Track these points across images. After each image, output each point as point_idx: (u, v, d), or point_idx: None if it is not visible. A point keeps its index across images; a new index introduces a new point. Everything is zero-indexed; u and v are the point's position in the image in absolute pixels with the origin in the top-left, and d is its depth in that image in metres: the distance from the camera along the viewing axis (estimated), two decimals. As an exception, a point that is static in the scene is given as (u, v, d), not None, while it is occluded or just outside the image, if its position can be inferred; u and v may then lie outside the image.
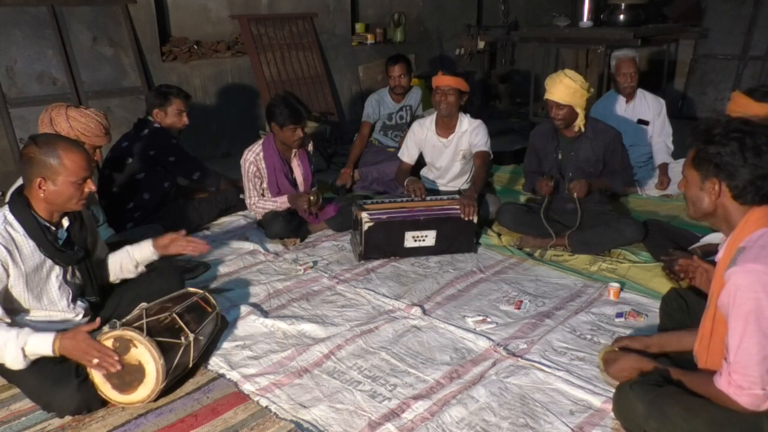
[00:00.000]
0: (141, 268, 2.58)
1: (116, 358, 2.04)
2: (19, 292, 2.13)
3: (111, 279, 2.56)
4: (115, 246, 2.93)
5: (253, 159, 3.68)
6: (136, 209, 3.62)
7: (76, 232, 2.29)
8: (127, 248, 2.56)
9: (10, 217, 2.12)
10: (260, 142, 3.75)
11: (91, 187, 2.18)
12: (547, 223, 3.49)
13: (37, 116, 4.57)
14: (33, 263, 2.14)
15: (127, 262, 2.55)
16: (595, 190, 3.51)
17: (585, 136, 3.49)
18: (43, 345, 2.02)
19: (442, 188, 4.08)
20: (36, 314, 2.21)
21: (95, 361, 2.03)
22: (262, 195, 3.77)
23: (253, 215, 3.95)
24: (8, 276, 2.08)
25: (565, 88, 3.31)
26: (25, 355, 2.02)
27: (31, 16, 4.76)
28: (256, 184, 3.72)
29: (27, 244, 2.12)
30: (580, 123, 3.44)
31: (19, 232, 2.11)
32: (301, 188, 3.83)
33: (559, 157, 3.56)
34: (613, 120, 4.04)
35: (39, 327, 2.19)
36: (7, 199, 2.23)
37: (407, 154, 4.07)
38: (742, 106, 2.88)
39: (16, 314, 2.15)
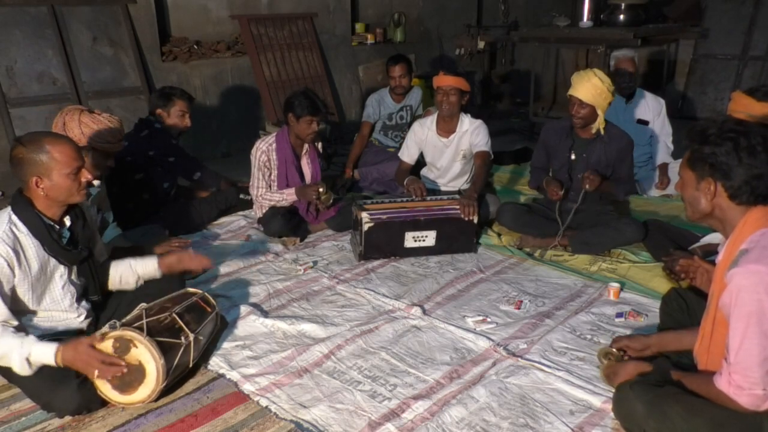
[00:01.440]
0: (140, 282, 2.57)
1: (122, 363, 2.05)
2: (22, 292, 2.13)
3: (109, 287, 2.55)
4: (118, 253, 2.94)
5: (265, 148, 3.70)
6: (136, 210, 3.62)
7: (79, 231, 2.29)
8: (130, 262, 2.55)
9: (14, 218, 2.11)
10: (274, 134, 3.77)
11: (87, 176, 2.17)
12: (550, 222, 3.49)
13: (37, 116, 4.69)
14: (38, 263, 2.14)
15: (128, 275, 2.55)
16: (602, 190, 3.50)
17: (600, 140, 3.48)
18: (45, 356, 2.03)
19: (442, 188, 4.08)
20: (38, 314, 2.21)
21: (96, 372, 2.04)
22: (269, 188, 3.77)
23: (253, 215, 3.95)
24: (14, 277, 2.08)
25: (592, 87, 3.27)
26: (30, 364, 2.04)
27: (31, 16, 4.76)
28: (264, 174, 3.73)
29: (31, 244, 2.12)
30: (598, 125, 3.42)
31: (23, 232, 2.11)
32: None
33: (573, 157, 3.54)
34: (612, 120, 4.03)
35: (41, 328, 2.21)
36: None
37: (407, 154, 4.06)
38: (744, 106, 2.87)
39: (18, 314, 2.15)
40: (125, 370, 2.06)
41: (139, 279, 2.57)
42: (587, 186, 3.38)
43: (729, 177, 1.72)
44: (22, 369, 2.04)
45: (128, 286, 2.56)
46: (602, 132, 3.44)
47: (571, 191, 3.53)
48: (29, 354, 2.02)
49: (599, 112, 3.35)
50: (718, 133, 1.72)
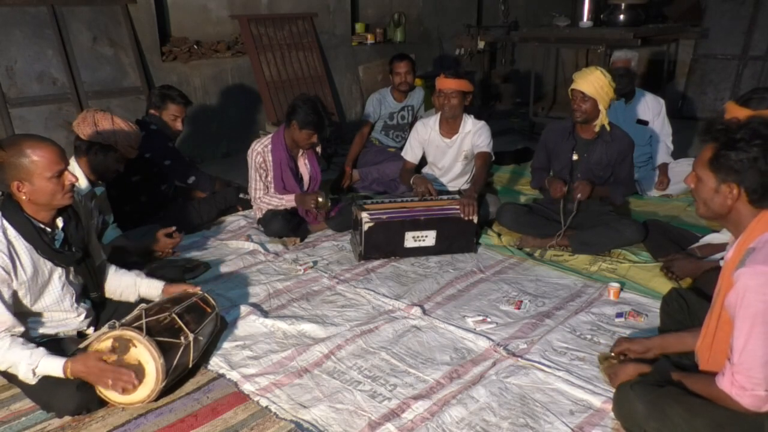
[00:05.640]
0: (138, 299, 2.56)
1: (131, 376, 2.05)
2: (21, 295, 2.12)
3: (107, 296, 2.54)
4: (117, 252, 2.93)
5: (260, 150, 3.70)
6: (133, 212, 3.61)
7: (72, 232, 2.25)
8: (136, 279, 2.54)
9: (5, 222, 2.08)
10: (270, 135, 3.76)
11: (70, 178, 2.13)
12: (550, 222, 3.49)
13: (37, 116, 4.69)
14: (32, 266, 2.12)
15: (130, 292, 2.54)
16: (596, 196, 3.50)
17: (602, 139, 3.47)
18: (54, 370, 2.03)
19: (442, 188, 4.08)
20: (38, 316, 2.21)
21: (110, 382, 2.04)
22: (267, 190, 3.77)
23: (253, 215, 3.95)
24: (12, 281, 2.07)
25: (595, 80, 3.28)
26: (34, 374, 2.04)
27: (31, 16, 4.76)
28: (261, 176, 3.73)
29: (24, 249, 2.10)
30: (600, 123, 3.41)
31: (15, 237, 2.09)
32: (307, 187, 3.84)
33: (575, 158, 3.53)
34: (611, 120, 4.03)
35: (41, 329, 2.21)
36: None
37: (411, 154, 4.06)
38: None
39: (19, 317, 2.14)
40: (136, 382, 2.06)
41: (139, 297, 2.56)
42: (579, 196, 3.39)
43: (753, 183, 1.69)
44: (26, 378, 2.05)
45: (127, 300, 2.55)
46: (608, 128, 3.43)
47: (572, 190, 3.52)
48: (36, 366, 2.02)
49: (601, 107, 3.35)
50: (747, 139, 1.68)
